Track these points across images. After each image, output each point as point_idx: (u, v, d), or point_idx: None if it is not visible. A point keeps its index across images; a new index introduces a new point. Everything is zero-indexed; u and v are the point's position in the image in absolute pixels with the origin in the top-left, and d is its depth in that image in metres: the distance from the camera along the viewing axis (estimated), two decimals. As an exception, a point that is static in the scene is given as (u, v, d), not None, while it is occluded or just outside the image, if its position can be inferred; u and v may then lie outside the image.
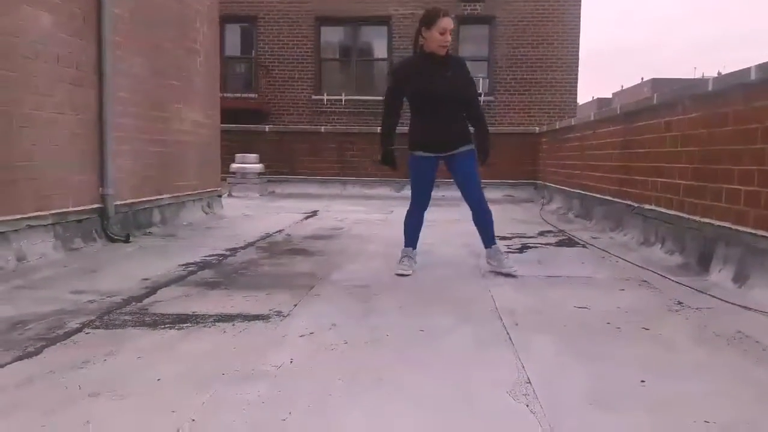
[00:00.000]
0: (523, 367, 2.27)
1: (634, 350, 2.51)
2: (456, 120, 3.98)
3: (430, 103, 3.92)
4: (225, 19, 12.20)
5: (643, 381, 2.16)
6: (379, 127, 4.11)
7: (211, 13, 7.49)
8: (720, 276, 3.82)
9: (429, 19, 3.81)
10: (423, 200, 4.15)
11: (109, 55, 5.09)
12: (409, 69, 4.01)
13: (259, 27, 15.03)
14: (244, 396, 1.98)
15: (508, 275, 3.95)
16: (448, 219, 7.25)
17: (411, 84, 3.92)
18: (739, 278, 3.63)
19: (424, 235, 5.91)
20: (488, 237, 4.10)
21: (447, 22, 3.77)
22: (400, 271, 3.99)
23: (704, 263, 4.09)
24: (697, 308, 3.19)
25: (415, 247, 4.19)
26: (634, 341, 2.63)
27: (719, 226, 4.02)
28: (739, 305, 3.20)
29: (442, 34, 3.76)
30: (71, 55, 4.72)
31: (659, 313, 3.12)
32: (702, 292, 3.53)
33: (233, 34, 15.41)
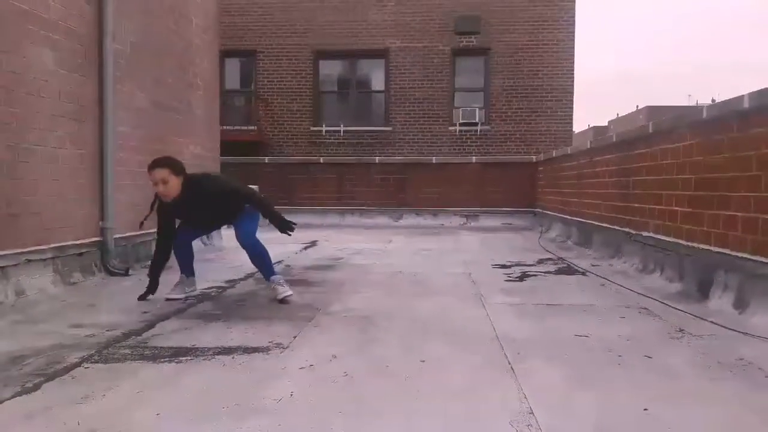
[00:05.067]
0: (526, 396, 2.26)
1: (636, 378, 2.49)
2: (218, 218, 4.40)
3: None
4: (225, 54, 12.37)
5: (646, 409, 2.14)
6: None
7: (211, 47, 7.61)
8: (720, 302, 3.82)
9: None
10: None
11: (110, 90, 5.16)
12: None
13: (258, 61, 15.22)
14: (245, 430, 1.96)
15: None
16: (445, 249, 7.25)
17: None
18: (740, 304, 3.63)
19: (422, 264, 5.92)
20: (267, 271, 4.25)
21: (151, 175, 3.96)
22: (171, 296, 4.15)
23: (704, 290, 4.09)
24: (698, 335, 3.18)
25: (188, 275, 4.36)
26: (636, 369, 2.62)
27: (718, 252, 4.03)
28: (740, 332, 3.19)
29: (155, 184, 3.95)
30: (73, 91, 4.78)
31: (661, 340, 3.11)
32: (703, 318, 3.52)
33: (233, 67, 15.59)
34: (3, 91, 4.04)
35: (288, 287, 4.16)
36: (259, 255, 4.20)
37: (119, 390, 2.34)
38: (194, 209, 4.08)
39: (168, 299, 4.09)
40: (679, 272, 4.58)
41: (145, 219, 4.22)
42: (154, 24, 6.12)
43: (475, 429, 1.99)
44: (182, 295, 4.18)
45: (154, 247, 4.32)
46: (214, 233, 7.61)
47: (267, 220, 4.15)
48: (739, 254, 3.76)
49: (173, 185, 3.95)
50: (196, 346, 2.95)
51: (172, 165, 4.00)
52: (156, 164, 3.98)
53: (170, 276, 5.20)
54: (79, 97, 4.87)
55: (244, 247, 4.20)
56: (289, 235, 4.12)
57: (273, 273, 4.21)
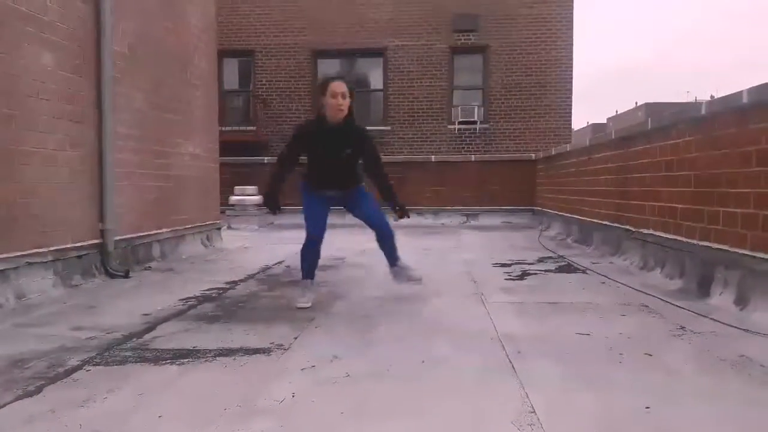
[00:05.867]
0: (527, 395, 2.26)
1: (637, 376, 2.49)
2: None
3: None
4: (223, 54, 12.36)
5: (648, 407, 2.14)
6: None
7: (209, 47, 7.60)
8: (721, 299, 3.82)
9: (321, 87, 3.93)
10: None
11: (109, 92, 5.15)
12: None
13: (257, 61, 15.22)
14: (247, 432, 1.96)
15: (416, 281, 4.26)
16: (446, 247, 7.25)
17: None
18: (740, 301, 3.63)
19: (422, 263, 5.92)
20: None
21: (334, 86, 3.83)
22: (300, 305, 3.95)
23: (704, 287, 4.09)
24: (699, 332, 3.18)
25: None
26: (637, 367, 2.62)
27: (718, 249, 4.03)
28: (741, 329, 3.19)
29: (334, 97, 3.84)
30: (71, 93, 4.78)
31: (661, 338, 3.11)
32: (703, 316, 3.52)
33: (231, 68, 15.58)
34: (1, 94, 4.03)
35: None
36: (391, 236, 4.19)
37: (121, 392, 2.34)
38: (336, 146, 3.89)
39: (299, 308, 3.90)
40: (679, 269, 4.59)
41: (295, 140, 4.05)
42: (152, 25, 6.12)
43: (477, 429, 1.99)
44: (310, 303, 3.98)
45: (270, 178, 4.12)
46: (215, 234, 7.62)
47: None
48: (739, 251, 3.76)
49: (347, 105, 3.86)
50: (197, 348, 2.95)
51: (351, 86, 3.93)
52: (337, 78, 3.93)
53: (171, 278, 5.20)
54: (78, 98, 4.86)
55: (378, 226, 4.15)
56: (408, 217, 4.12)
57: (398, 257, 4.27)
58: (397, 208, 4.11)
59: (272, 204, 4.07)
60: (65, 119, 4.70)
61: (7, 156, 4.08)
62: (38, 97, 4.38)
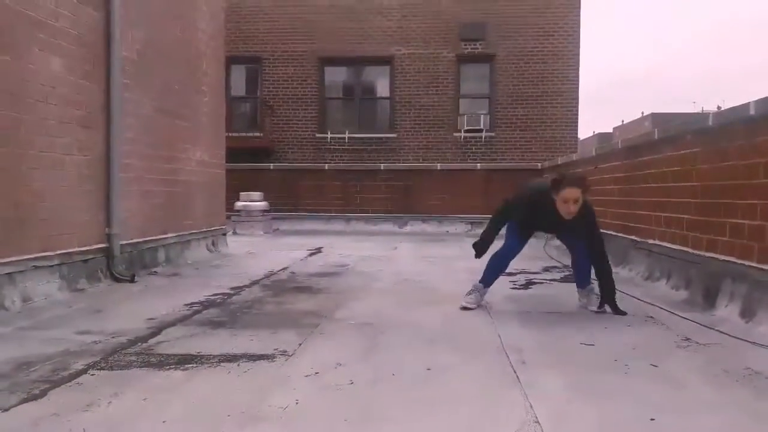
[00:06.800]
0: (531, 406, 2.25)
1: (642, 387, 2.48)
2: None
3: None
4: (230, 60, 12.40)
5: (653, 419, 2.13)
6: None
7: (216, 54, 7.65)
8: (727, 311, 3.80)
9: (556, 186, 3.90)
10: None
11: (118, 97, 5.19)
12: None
13: (264, 68, 15.28)
14: (250, 438, 1.96)
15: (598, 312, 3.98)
16: (451, 255, 7.23)
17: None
18: (747, 313, 3.61)
19: (427, 272, 5.92)
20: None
21: (567, 192, 3.83)
22: (464, 304, 4.13)
23: (710, 298, 4.07)
24: (704, 344, 3.16)
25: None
26: (642, 378, 2.61)
27: (724, 260, 4.01)
28: (747, 341, 3.17)
29: (565, 202, 3.85)
30: (80, 98, 4.81)
31: (667, 349, 3.10)
32: (709, 327, 3.50)
33: (238, 74, 15.64)
34: (12, 98, 4.07)
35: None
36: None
37: (125, 397, 2.34)
38: (563, 230, 4.13)
39: (463, 307, 4.10)
40: (685, 280, 4.56)
41: (524, 207, 4.16)
42: (161, 31, 6.16)
43: (480, 438, 1.99)
44: (476, 305, 4.14)
45: (485, 232, 4.36)
46: (220, 239, 7.64)
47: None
48: (746, 263, 3.74)
49: (577, 209, 3.86)
50: (201, 353, 2.95)
51: (587, 188, 3.94)
52: (574, 183, 3.88)
53: (176, 283, 5.21)
54: (87, 103, 4.90)
55: (590, 259, 4.13)
56: (622, 313, 3.89)
57: (590, 282, 4.22)
58: (609, 304, 3.96)
59: (481, 252, 4.27)
60: (74, 124, 4.74)
61: (15, 159, 4.11)
62: (47, 102, 4.41)
